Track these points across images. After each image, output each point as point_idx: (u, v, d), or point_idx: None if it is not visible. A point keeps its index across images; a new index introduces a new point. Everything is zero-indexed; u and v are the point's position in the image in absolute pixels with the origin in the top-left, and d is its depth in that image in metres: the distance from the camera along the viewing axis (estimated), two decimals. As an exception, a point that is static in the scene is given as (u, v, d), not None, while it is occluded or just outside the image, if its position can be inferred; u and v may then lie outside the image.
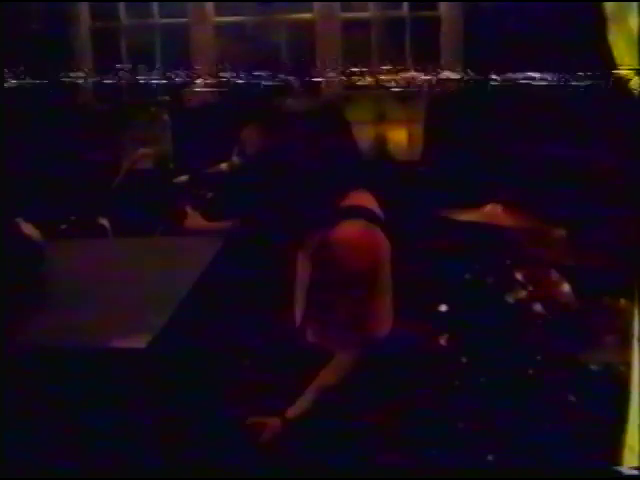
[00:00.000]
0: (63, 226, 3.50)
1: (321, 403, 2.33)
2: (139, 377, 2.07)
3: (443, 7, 4.78)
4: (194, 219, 3.34)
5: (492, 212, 3.26)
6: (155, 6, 4.90)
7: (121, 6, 4.91)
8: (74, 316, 2.28)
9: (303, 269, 2.50)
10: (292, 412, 2.34)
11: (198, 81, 4.60)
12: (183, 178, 3.66)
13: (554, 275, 3.24)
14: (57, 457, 2.07)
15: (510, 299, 3.20)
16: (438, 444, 2.71)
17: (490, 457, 2.76)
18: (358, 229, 2.37)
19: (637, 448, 1.06)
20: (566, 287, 3.21)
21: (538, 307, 3.15)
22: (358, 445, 2.34)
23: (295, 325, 2.52)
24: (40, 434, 2.08)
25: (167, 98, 4.50)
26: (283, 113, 2.53)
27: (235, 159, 3.62)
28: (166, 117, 4.37)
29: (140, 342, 2.07)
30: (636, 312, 1.07)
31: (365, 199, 2.47)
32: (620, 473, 1.09)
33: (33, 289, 2.38)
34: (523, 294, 3.20)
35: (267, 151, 2.52)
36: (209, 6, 4.88)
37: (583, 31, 3.54)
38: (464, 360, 3.09)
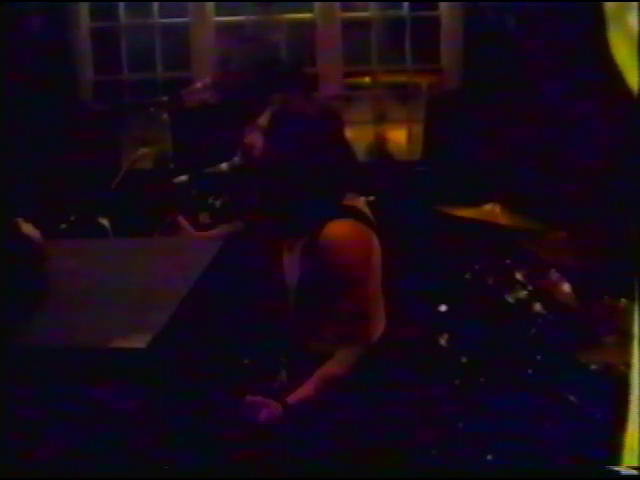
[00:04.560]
0: (63, 226, 3.50)
1: (322, 394, 2.35)
2: (139, 377, 2.07)
3: (443, 7, 4.77)
4: (185, 230, 3.33)
5: (491, 211, 3.26)
6: (155, 6, 4.90)
7: (121, 6, 4.91)
8: (74, 316, 2.28)
9: (291, 271, 2.52)
10: (293, 398, 2.35)
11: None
12: (183, 178, 3.66)
13: (554, 275, 3.24)
14: (57, 456, 2.07)
15: (510, 299, 3.20)
16: (438, 443, 2.71)
17: (490, 457, 2.76)
18: (346, 227, 2.41)
19: (637, 448, 1.06)
20: (566, 287, 3.21)
21: (538, 307, 3.15)
22: (355, 440, 2.35)
23: (288, 324, 2.54)
24: (40, 434, 2.08)
25: (166, 98, 4.49)
26: (280, 115, 2.54)
27: (235, 159, 3.64)
28: (166, 117, 4.37)
29: (140, 342, 2.07)
30: (636, 312, 1.07)
31: (355, 201, 2.49)
32: (619, 473, 1.09)
33: (33, 289, 2.38)
34: (523, 294, 3.20)
35: (261, 153, 2.55)
36: (209, 6, 4.88)
37: (582, 31, 3.55)
38: (464, 360, 3.09)
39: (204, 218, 3.42)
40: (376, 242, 2.47)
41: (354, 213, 2.44)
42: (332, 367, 2.38)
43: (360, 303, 2.41)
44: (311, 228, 2.41)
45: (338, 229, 2.39)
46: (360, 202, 2.52)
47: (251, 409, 2.36)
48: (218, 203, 3.50)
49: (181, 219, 3.34)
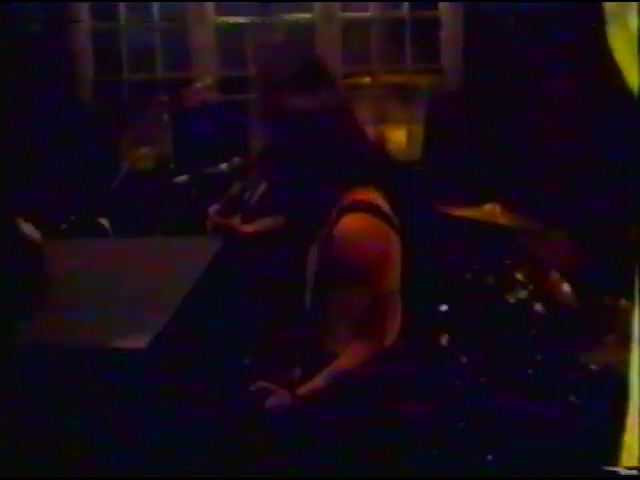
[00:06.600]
0: (63, 226, 3.50)
1: (333, 388, 2.34)
2: (139, 376, 2.08)
3: (443, 7, 4.77)
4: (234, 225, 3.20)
5: (491, 212, 3.26)
6: (155, 7, 4.90)
7: (121, 6, 4.91)
8: (74, 316, 2.28)
9: (311, 266, 2.50)
10: (303, 390, 2.35)
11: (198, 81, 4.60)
12: (183, 178, 3.66)
13: (554, 275, 3.24)
14: (57, 456, 2.07)
15: (510, 299, 3.20)
16: (438, 444, 2.71)
17: (490, 457, 2.76)
18: (359, 220, 2.37)
19: (636, 448, 1.06)
20: (566, 287, 3.21)
21: (538, 307, 3.15)
22: (361, 436, 2.35)
23: (303, 320, 2.52)
24: (40, 434, 2.08)
25: (167, 98, 4.49)
26: (294, 108, 2.51)
27: (235, 159, 3.63)
28: (166, 117, 4.37)
29: (140, 342, 2.07)
30: (636, 312, 1.07)
31: (371, 195, 2.46)
32: (618, 473, 1.09)
33: (33, 289, 2.38)
34: (523, 294, 3.20)
35: (271, 148, 2.52)
36: (209, 6, 4.88)
37: (582, 31, 3.55)
38: (464, 360, 3.09)
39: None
40: (394, 237, 2.43)
41: (369, 207, 2.41)
42: (343, 361, 2.37)
43: (372, 297, 2.37)
44: (327, 223, 2.40)
45: (351, 222, 2.36)
46: (378, 198, 2.47)
47: (259, 396, 2.35)
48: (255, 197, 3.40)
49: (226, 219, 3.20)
